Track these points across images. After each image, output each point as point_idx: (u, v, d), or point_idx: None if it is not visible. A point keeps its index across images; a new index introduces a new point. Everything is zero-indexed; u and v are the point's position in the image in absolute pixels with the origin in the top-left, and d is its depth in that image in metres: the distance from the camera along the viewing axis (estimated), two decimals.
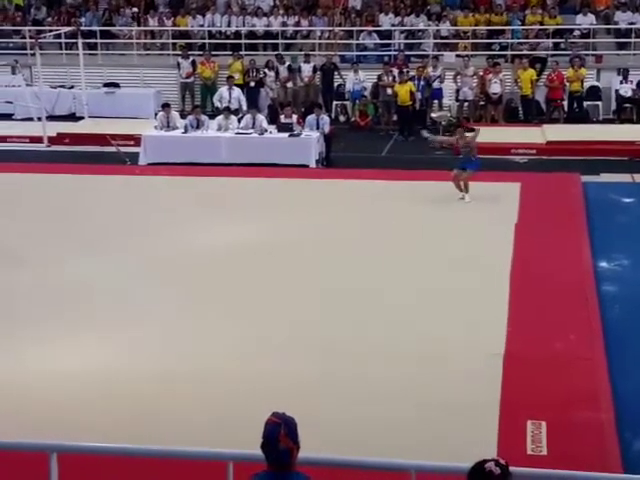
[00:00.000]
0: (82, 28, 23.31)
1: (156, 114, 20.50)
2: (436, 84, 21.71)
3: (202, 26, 25.24)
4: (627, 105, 21.71)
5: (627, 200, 15.26)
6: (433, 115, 21.30)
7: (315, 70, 22.75)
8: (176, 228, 13.70)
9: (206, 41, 24.72)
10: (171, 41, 24.98)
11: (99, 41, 24.88)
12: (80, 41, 22.09)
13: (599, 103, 22.23)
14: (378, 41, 24.09)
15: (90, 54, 24.09)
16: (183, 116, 20.09)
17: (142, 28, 25.69)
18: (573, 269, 11.79)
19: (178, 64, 23.56)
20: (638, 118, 21.38)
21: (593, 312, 10.39)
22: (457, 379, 8.64)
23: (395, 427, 7.77)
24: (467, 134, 15.46)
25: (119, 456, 6.49)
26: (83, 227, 13.85)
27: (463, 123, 21.16)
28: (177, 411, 8.15)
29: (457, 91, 22.14)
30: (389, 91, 21.46)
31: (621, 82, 21.72)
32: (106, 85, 23.68)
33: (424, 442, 7.34)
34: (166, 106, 19.58)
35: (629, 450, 7.48)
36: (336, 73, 22.76)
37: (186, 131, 18.76)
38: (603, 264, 12.16)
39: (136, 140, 19.17)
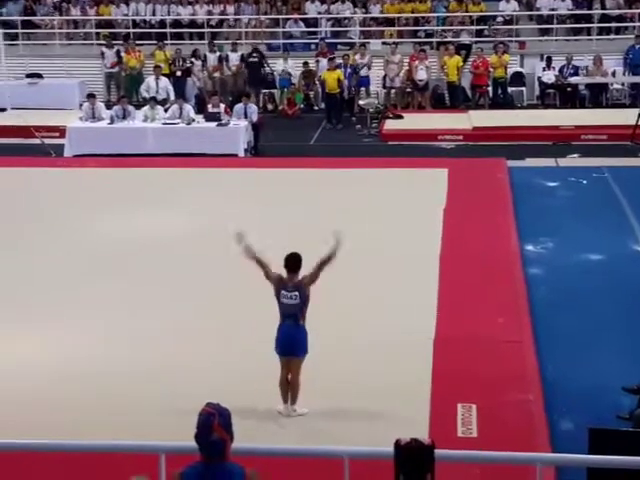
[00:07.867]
0: (2, 18, 22.82)
1: (81, 105, 20.17)
2: (364, 71, 21.76)
3: (126, 15, 24.91)
4: (550, 91, 22.08)
5: (551, 184, 15.51)
6: (361, 102, 21.36)
7: (243, 59, 22.63)
8: (103, 221, 13.49)
9: (130, 30, 24.40)
10: (94, 30, 24.59)
11: (20, 31, 24.37)
12: (0, 31, 21.61)
13: (523, 89, 22.58)
14: (304, 29, 24.07)
15: (11, 44, 23.60)
16: (109, 107, 19.78)
17: (64, 17, 25.25)
18: (501, 252, 11.96)
19: (102, 54, 23.21)
20: (561, 103, 21.76)
21: (521, 295, 10.56)
22: (388, 365, 8.68)
23: (327, 413, 7.80)
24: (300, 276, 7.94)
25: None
26: (6, 222, 13.59)
27: (390, 109, 21.32)
28: (106, 406, 8.08)
29: (384, 78, 22.24)
30: None
31: (544, 69, 22.06)
32: (29, 76, 23.20)
33: (357, 427, 7.38)
34: (91, 96, 19.26)
35: (556, 430, 7.63)
36: (264, 62, 22.66)
37: (112, 122, 18.49)
38: (529, 247, 12.37)
39: (61, 132, 18.83)
